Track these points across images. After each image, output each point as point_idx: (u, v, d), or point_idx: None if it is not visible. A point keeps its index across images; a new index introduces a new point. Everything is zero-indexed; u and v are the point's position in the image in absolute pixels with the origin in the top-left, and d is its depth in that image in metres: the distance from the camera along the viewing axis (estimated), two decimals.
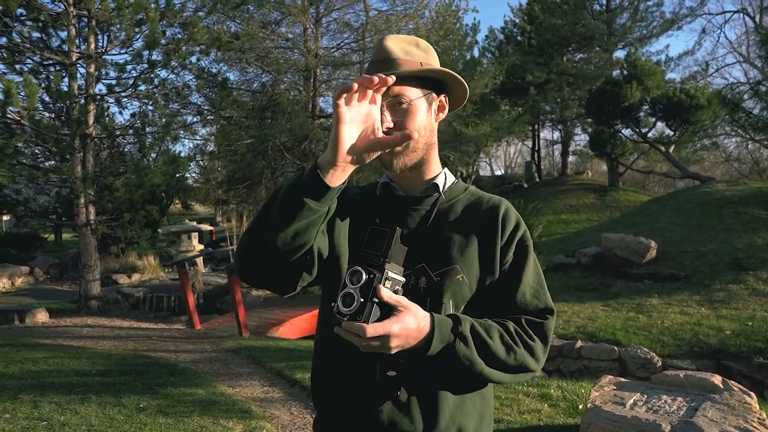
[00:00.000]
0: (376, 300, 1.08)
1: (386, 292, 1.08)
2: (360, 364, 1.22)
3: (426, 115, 1.30)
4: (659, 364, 7.02)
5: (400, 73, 1.24)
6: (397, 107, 1.26)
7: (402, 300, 1.10)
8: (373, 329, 1.05)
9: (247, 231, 1.19)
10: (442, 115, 1.36)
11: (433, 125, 1.33)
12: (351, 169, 1.10)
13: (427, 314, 1.14)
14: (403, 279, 1.14)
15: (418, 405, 1.21)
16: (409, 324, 1.10)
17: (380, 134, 1.11)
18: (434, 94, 1.32)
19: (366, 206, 1.35)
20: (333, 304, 1.11)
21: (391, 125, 1.23)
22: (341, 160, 1.07)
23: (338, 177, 1.09)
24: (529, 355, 1.23)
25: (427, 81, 1.30)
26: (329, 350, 1.29)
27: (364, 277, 1.09)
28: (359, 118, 1.08)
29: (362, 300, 1.07)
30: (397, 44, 1.30)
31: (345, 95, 1.03)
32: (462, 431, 1.25)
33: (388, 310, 1.08)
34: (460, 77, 1.33)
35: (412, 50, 1.30)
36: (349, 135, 1.06)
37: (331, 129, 1.06)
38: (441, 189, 1.34)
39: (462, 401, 1.26)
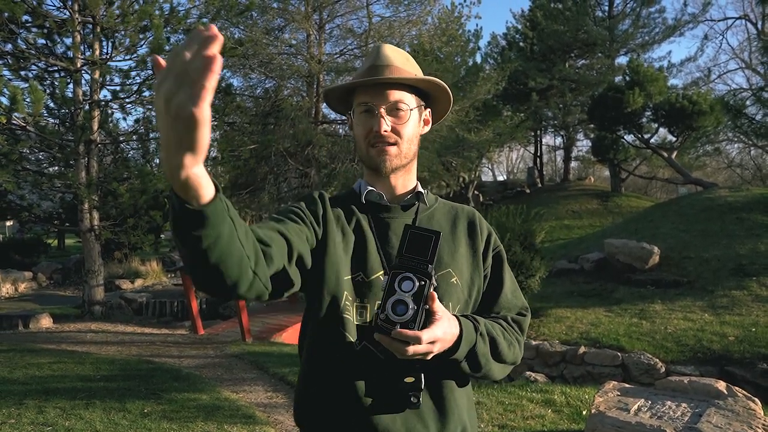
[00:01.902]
0: (427, 307, 1.08)
1: (437, 300, 1.10)
2: (377, 373, 1.20)
3: (416, 125, 1.35)
4: (663, 370, 7.00)
5: (404, 79, 1.30)
6: (394, 112, 1.29)
7: (440, 305, 1.12)
8: (427, 336, 1.06)
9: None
10: (426, 129, 1.40)
11: (419, 136, 1.37)
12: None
13: (454, 317, 1.16)
14: (436, 283, 1.15)
15: (431, 409, 1.23)
16: (448, 328, 1.12)
17: None
18: (424, 107, 1.38)
19: (351, 212, 1.34)
20: (379, 311, 1.07)
21: (389, 129, 1.28)
22: (200, 166, 0.83)
23: (206, 188, 0.85)
24: (518, 348, 1.34)
25: (419, 93, 1.36)
26: (338, 361, 1.23)
27: (416, 284, 1.07)
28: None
29: (415, 307, 1.06)
30: (396, 53, 1.34)
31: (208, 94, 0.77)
32: (465, 430, 1.28)
33: (429, 315, 1.09)
34: (451, 95, 1.39)
35: (410, 61, 1.36)
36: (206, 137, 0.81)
37: (179, 133, 0.77)
38: (424, 198, 1.38)
39: (465, 400, 1.31)
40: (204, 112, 0.77)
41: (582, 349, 7.57)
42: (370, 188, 1.35)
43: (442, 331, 1.10)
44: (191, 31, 0.82)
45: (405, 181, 1.38)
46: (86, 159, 10.32)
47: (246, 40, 13.03)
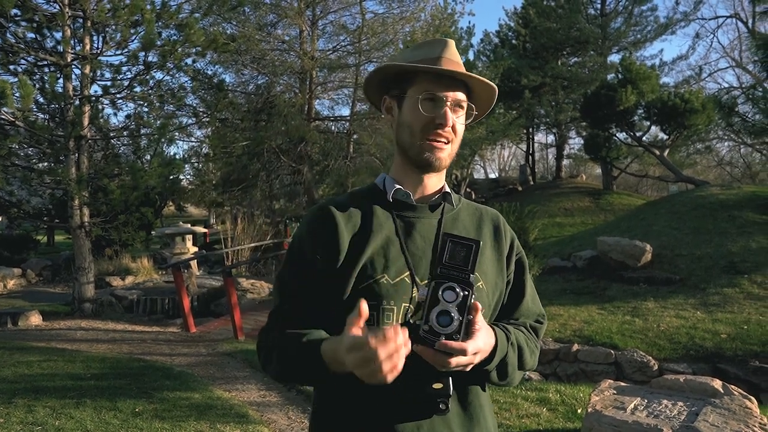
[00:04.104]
0: (470, 317, 1.06)
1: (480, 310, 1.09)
2: (402, 379, 1.14)
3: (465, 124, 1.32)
4: (655, 367, 7.01)
5: (481, 79, 1.27)
6: (456, 109, 1.26)
7: (480, 315, 1.10)
8: (472, 347, 1.05)
9: (262, 355, 1.28)
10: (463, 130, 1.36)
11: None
12: None
13: (490, 327, 1.15)
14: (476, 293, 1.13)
15: (457, 414, 1.20)
16: (487, 338, 1.11)
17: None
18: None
19: (373, 212, 1.29)
20: (421, 322, 1.05)
21: (450, 124, 1.24)
22: None
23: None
24: (536, 356, 1.33)
25: (468, 94, 1.31)
26: None
27: (460, 294, 1.05)
28: None
29: (460, 318, 1.04)
30: (457, 52, 1.31)
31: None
32: None
33: (469, 326, 1.07)
34: (494, 102, 1.36)
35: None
36: None
37: (358, 349, 0.99)
38: (451, 198, 1.34)
39: (488, 405, 1.29)
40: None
41: (575, 347, 7.57)
42: (398, 186, 1.30)
43: (483, 341, 1.09)
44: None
45: (436, 181, 1.34)
46: (76, 155, 10.21)
47: (238, 36, 12.96)
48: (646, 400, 3.71)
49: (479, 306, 1.08)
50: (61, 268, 15.81)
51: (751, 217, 11.71)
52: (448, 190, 1.34)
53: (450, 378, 1.14)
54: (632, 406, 3.62)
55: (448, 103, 1.23)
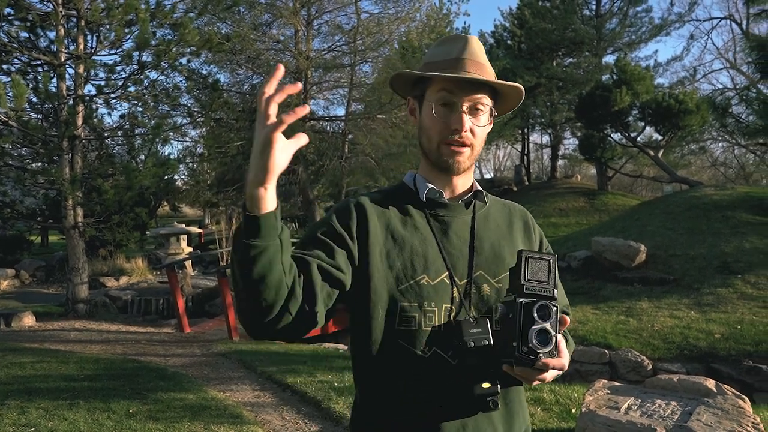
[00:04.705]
0: (561, 332, 1.09)
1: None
2: (449, 380, 1.16)
3: (487, 126, 1.29)
4: (650, 367, 7.04)
5: (498, 83, 1.24)
6: (474, 112, 1.24)
7: None
8: (567, 362, 1.09)
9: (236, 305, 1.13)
10: (489, 128, 1.33)
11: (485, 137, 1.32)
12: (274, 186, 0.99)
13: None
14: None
15: (499, 411, 1.20)
16: (566, 349, 1.15)
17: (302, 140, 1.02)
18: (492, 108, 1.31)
19: (407, 211, 1.27)
20: (517, 343, 1.04)
21: (468, 129, 1.22)
22: (270, 185, 0.97)
23: (272, 198, 0.98)
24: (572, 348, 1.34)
25: (492, 92, 1.29)
26: (403, 373, 1.18)
27: (553, 310, 1.06)
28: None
29: (556, 336, 1.05)
30: (480, 47, 1.28)
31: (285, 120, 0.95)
32: (528, 430, 1.29)
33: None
34: (522, 98, 1.32)
35: (485, 57, 1.30)
36: (280, 158, 0.97)
37: (258, 155, 0.95)
38: (483, 197, 1.33)
39: (524, 399, 1.31)
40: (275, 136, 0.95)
41: None
42: (431, 186, 1.28)
43: (567, 355, 1.12)
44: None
45: (465, 180, 1.32)
46: (70, 155, 10.17)
47: (233, 36, 12.92)
48: (639, 400, 3.71)
49: (567, 320, 1.10)
50: (55, 269, 15.74)
51: (744, 218, 11.76)
52: (479, 188, 1.33)
53: (497, 377, 1.14)
54: (626, 405, 3.62)
55: (465, 108, 1.21)
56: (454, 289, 1.20)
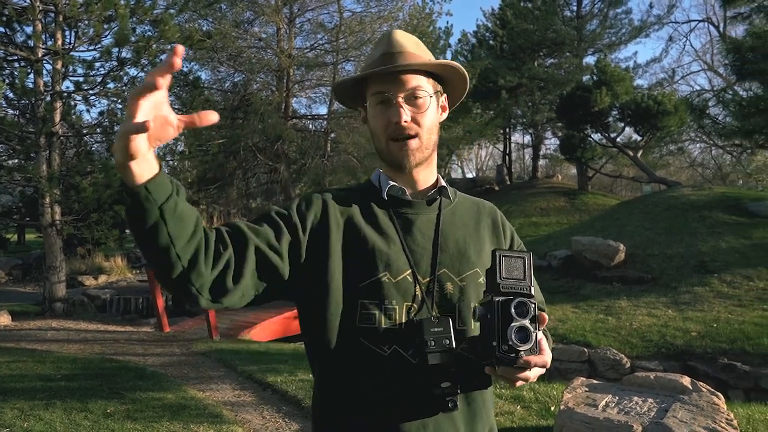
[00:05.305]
0: (541, 329, 1.08)
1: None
2: (409, 378, 1.14)
3: (435, 113, 1.27)
4: (628, 365, 7.13)
5: (421, 65, 1.22)
6: (413, 101, 1.22)
7: None
8: (549, 359, 1.08)
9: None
10: (444, 116, 1.32)
11: (438, 125, 1.29)
12: (152, 156, 0.91)
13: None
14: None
15: (461, 411, 1.18)
16: (548, 345, 1.14)
17: (173, 119, 0.89)
18: (440, 93, 1.29)
19: (370, 209, 1.25)
20: (496, 343, 1.03)
21: (409, 119, 1.20)
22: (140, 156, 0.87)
23: (144, 170, 0.89)
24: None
25: (435, 78, 1.27)
26: (362, 371, 1.16)
27: (531, 307, 1.04)
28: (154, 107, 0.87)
29: (536, 333, 1.04)
30: (408, 38, 1.26)
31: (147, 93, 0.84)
32: (492, 430, 1.27)
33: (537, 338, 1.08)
34: (468, 78, 1.31)
35: (420, 46, 1.28)
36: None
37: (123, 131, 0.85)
38: (448, 192, 1.31)
39: (491, 401, 1.28)
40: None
41: None
42: (392, 183, 1.26)
43: (548, 349, 1.11)
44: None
45: (426, 174, 1.30)
46: (48, 152, 10.02)
47: (214, 33, 12.83)
48: (617, 397, 3.76)
49: (546, 317, 1.10)
50: (32, 267, 15.50)
51: (721, 218, 11.96)
52: (443, 183, 1.31)
53: (458, 376, 1.13)
54: (604, 403, 3.67)
55: (400, 99, 1.20)
56: (417, 287, 1.18)
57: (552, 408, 4.64)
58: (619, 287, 10.08)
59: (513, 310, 1.03)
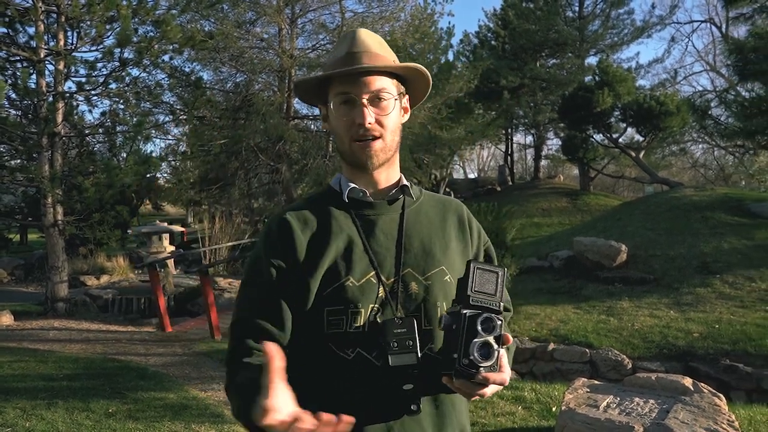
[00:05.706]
0: (505, 347, 1.08)
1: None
2: (372, 381, 1.14)
3: (398, 114, 1.28)
4: (629, 366, 7.11)
5: (389, 67, 1.23)
6: (376, 102, 1.22)
7: None
8: (508, 377, 1.09)
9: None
10: (406, 117, 1.32)
11: (401, 126, 1.30)
12: None
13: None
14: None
15: (428, 414, 1.18)
16: (508, 364, 1.15)
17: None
18: (403, 94, 1.30)
19: (330, 215, 1.25)
20: (457, 355, 1.03)
21: (373, 121, 1.20)
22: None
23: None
24: (512, 355, 1.31)
25: (398, 79, 1.28)
26: (326, 374, 1.17)
27: (498, 324, 1.04)
28: None
29: (498, 349, 1.04)
30: (372, 37, 1.26)
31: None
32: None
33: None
34: (430, 80, 1.31)
35: (384, 46, 1.28)
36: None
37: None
38: (410, 191, 1.31)
39: (463, 404, 1.27)
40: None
41: (551, 346, 7.64)
42: (352, 185, 1.26)
43: (508, 368, 1.12)
44: None
45: (389, 174, 1.30)
46: (50, 152, 10.03)
47: (216, 33, 12.83)
48: (618, 398, 3.76)
49: (510, 338, 1.10)
50: (34, 267, 15.52)
51: (723, 219, 11.94)
52: (405, 182, 1.30)
53: (421, 379, 1.12)
54: (605, 403, 3.66)
55: (365, 100, 1.20)
56: (381, 288, 1.18)
57: (553, 408, 4.65)
58: (621, 288, 10.06)
59: (479, 326, 1.03)
